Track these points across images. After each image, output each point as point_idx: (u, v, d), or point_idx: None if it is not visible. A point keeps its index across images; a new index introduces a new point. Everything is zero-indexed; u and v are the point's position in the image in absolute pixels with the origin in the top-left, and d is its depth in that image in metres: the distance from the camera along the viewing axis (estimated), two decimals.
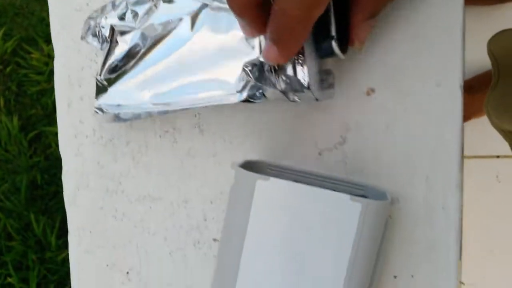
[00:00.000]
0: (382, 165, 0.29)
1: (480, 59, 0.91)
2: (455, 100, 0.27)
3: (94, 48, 0.32)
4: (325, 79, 0.29)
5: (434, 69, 0.28)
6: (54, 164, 1.43)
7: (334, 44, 0.26)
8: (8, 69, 1.43)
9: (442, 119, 0.28)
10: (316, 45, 0.27)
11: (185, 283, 0.33)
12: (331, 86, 0.29)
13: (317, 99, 0.27)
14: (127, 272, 0.33)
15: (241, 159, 0.28)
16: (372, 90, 0.29)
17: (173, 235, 0.33)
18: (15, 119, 1.43)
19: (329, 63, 0.29)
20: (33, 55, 1.45)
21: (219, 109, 0.31)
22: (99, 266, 0.33)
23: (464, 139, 0.29)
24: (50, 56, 1.44)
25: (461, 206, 0.28)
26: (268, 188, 0.27)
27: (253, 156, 0.30)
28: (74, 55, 0.34)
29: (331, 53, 0.27)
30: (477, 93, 1.12)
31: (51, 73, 1.49)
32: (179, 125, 0.32)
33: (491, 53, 0.74)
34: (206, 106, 0.28)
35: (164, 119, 0.32)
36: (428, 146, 0.29)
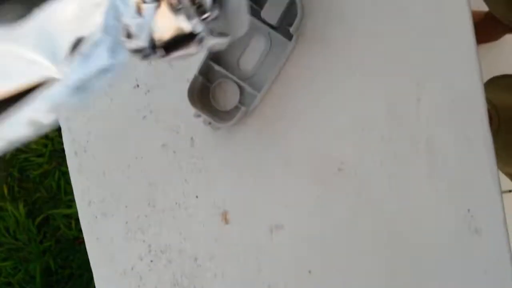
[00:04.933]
0: None
1: None
2: None
3: None
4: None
5: None
6: (65, 247, 1.47)
7: None
8: (8, 155, 1.46)
9: None
10: None
11: None
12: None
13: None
14: None
15: None
16: None
17: None
18: (21, 205, 1.46)
19: None
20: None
21: None
22: None
23: None
24: (48, 137, 1.47)
25: None
26: None
27: None
28: None
29: None
30: None
31: (51, 154, 1.51)
32: None
33: (487, 100, 0.77)
34: None
35: None
36: None
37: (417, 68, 0.37)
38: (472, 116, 0.36)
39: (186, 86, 0.39)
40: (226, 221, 0.41)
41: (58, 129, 1.55)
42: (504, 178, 0.91)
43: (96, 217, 0.42)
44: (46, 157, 1.49)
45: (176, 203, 0.41)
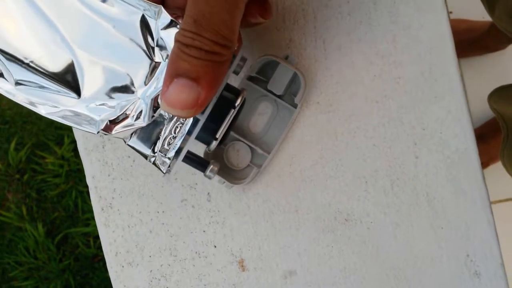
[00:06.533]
0: None
1: (484, 107, 0.93)
2: None
3: None
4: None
5: None
6: (84, 265, 1.52)
7: (214, 143, 0.32)
8: (25, 177, 1.52)
9: None
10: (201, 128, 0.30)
11: None
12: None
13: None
14: None
15: None
16: None
17: None
18: (40, 225, 1.51)
19: None
20: (47, 160, 1.53)
21: None
22: None
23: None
24: (64, 158, 1.52)
25: None
26: None
27: None
28: None
29: (207, 143, 0.32)
30: (490, 140, 1.19)
31: (68, 174, 1.56)
32: None
33: (494, 110, 0.80)
34: None
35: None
36: None
37: (413, 129, 0.40)
38: (466, 171, 0.40)
39: (200, 147, 0.43)
40: (242, 268, 0.45)
41: (74, 149, 1.59)
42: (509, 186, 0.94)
43: (123, 266, 0.46)
44: (62, 177, 1.54)
45: (196, 252, 0.45)
